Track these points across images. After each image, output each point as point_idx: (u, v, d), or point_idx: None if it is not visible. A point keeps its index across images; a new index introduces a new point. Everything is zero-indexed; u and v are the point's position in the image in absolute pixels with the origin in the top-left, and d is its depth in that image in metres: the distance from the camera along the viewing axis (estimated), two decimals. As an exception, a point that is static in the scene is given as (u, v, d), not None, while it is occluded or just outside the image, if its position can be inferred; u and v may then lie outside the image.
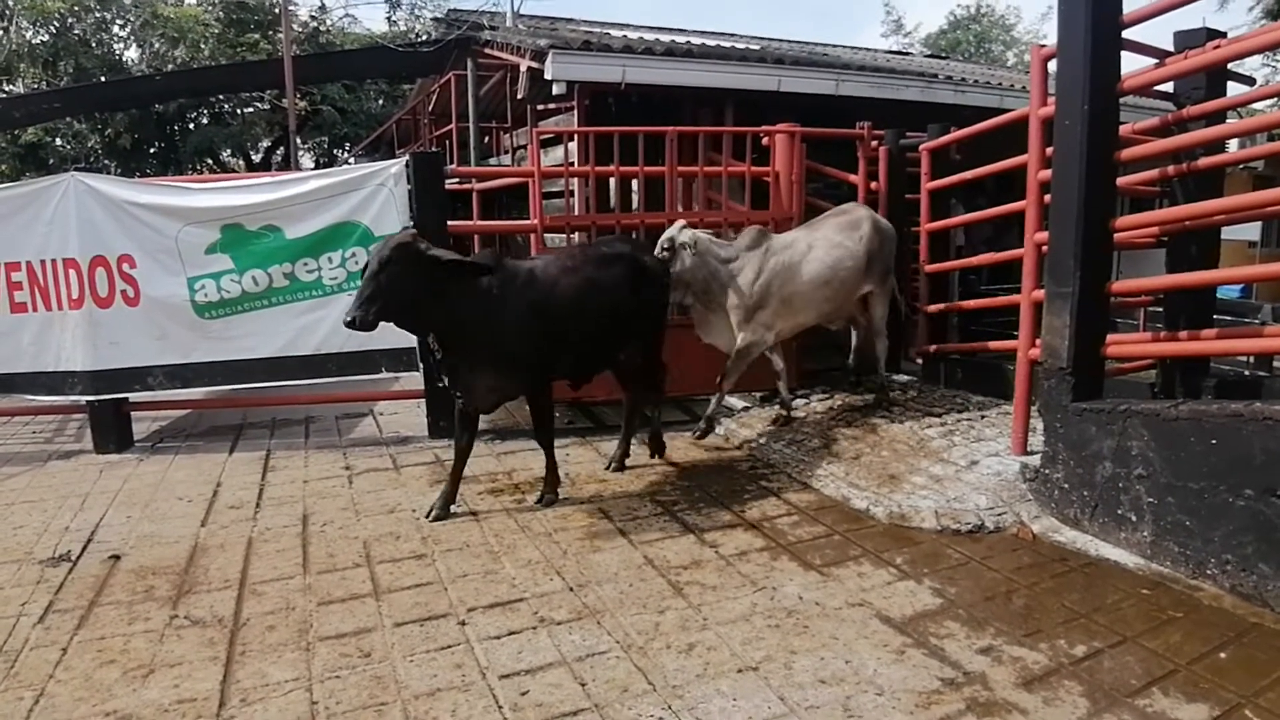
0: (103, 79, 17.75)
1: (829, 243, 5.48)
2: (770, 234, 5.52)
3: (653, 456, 5.27)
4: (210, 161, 22.16)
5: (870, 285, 5.75)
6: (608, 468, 5.11)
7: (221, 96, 19.93)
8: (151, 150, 20.31)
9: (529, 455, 5.00)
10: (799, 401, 6.15)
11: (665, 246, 5.09)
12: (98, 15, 18.59)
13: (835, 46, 14.73)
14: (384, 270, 3.87)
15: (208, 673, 2.92)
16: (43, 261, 5.71)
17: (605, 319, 4.59)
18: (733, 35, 13.51)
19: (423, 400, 5.92)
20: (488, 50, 10.14)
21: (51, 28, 17.98)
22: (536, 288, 4.33)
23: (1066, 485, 4.02)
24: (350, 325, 3.85)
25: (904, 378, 6.81)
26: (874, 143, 6.92)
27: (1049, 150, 4.35)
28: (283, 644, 3.11)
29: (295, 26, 19.53)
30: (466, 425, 4.51)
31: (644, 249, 5.02)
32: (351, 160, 20.56)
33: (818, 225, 5.72)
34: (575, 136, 7.12)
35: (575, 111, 8.37)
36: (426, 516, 4.35)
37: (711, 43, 10.63)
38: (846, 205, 5.96)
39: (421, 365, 5.66)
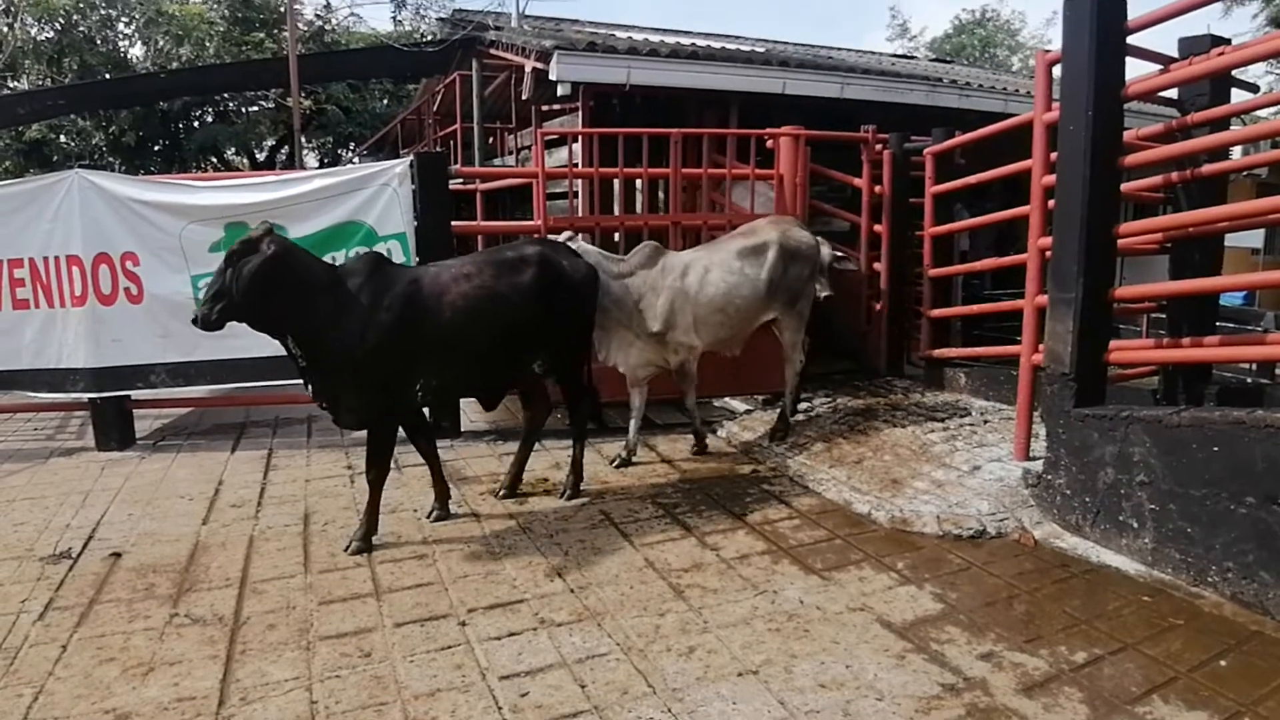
0: (107, 76, 17.79)
1: (726, 268, 5.21)
2: (665, 251, 5.29)
3: (562, 495, 4.67)
4: (214, 160, 22.18)
5: (774, 313, 5.47)
6: (497, 494, 4.72)
7: (226, 95, 19.94)
8: (156, 148, 20.33)
9: (531, 456, 4.98)
10: (801, 405, 6.14)
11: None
12: (103, 12, 18.65)
13: (840, 50, 14.73)
14: (230, 267, 3.61)
15: (208, 671, 2.92)
16: (45, 258, 5.72)
17: (501, 332, 4.16)
18: (738, 37, 13.52)
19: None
20: (493, 51, 10.14)
21: (56, 24, 18.04)
22: (414, 300, 3.95)
23: (1068, 491, 4.02)
24: (195, 324, 3.64)
25: (906, 382, 6.82)
26: (878, 146, 6.92)
27: (1053, 155, 4.35)
28: (283, 643, 3.11)
29: (300, 25, 19.56)
30: (417, 431, 4.37)
31: (564, 251, 4.57)
32: (356, 160, 20.58)
33: (719, 246, 5.45)
34: (580, 138, 7.12)
35: (580, 113, 8.38)
36: (428, 517, 4.36)
37: (716, 45, 10.63)
38: (757, 223, 5.64)
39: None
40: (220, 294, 3.62)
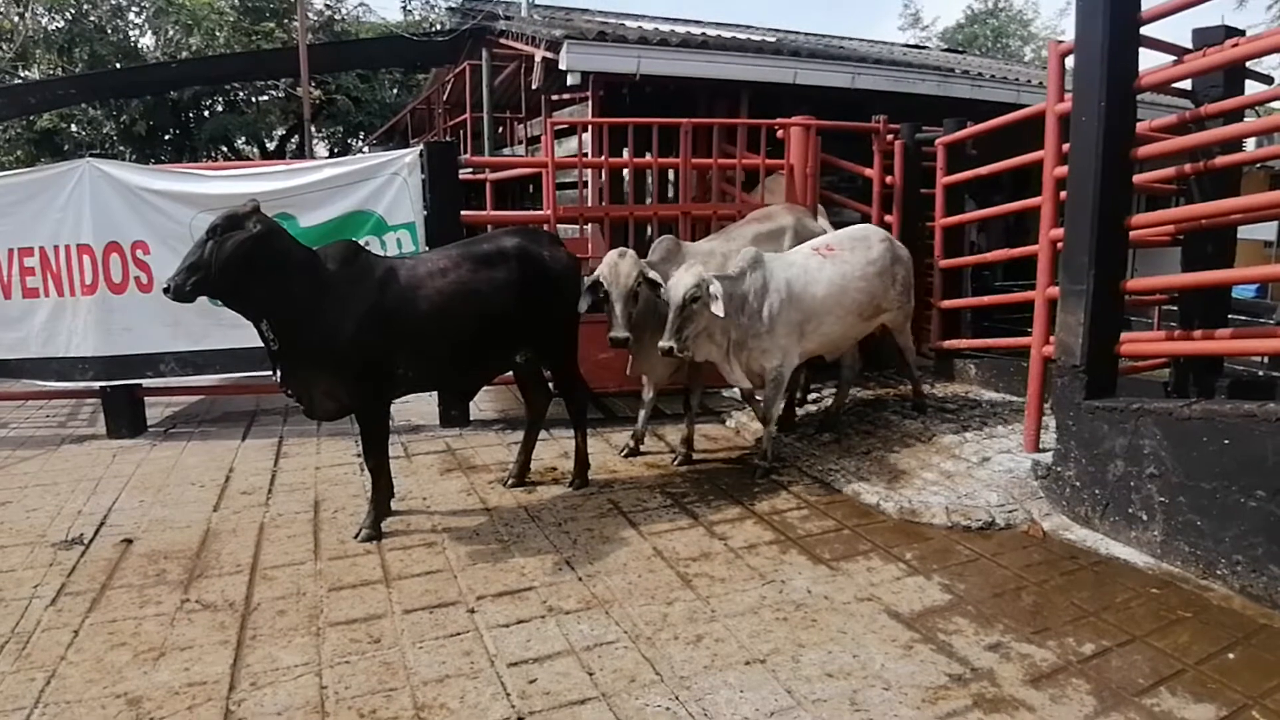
0: (118, 66, 17.79)
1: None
2: (683, 244, 5.09)
3: (570, 485, 4.69)
4: (225, 149, 22.21)
5: None
6: (505, 483, 4.72)
7: (236, 84, 19.96)
8: (166, 137, 20.36)
9: (540, 445, 5.00)
10: (810, 395, 6.14)
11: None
12: (113, 2, 18.64)
13: (851, 39, 14.68)
14: (210, 240, 3.52)
15: (218, 656, 2.94)
16: (56, 247, 5.73)
17: (479, 327, 4.09)
18: (748, 27, 13.48)
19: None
20: (503, 40, 10.14)
21: (67, 14, 18.02)
22: (390, 291, 3.88)
23: (1078, 483, 4.01)
24: (166, 293, 3.51)
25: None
26: (890, 136, 6.89)
27: (1065, 146, 4.33)
28: (293, 629, 3.13)
29: (310, 15, 19.54)
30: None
31: (546, 241, 4.42)
32: (366, 149, 20.59)
33: (735, 233, 5.32)
34: (589, 127, 7.12)
35: (590, 102, 8.37)
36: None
37: (727, 34, 10.60)
38: (771, 208, 5.53)
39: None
40: (197, 266, 3.50)
